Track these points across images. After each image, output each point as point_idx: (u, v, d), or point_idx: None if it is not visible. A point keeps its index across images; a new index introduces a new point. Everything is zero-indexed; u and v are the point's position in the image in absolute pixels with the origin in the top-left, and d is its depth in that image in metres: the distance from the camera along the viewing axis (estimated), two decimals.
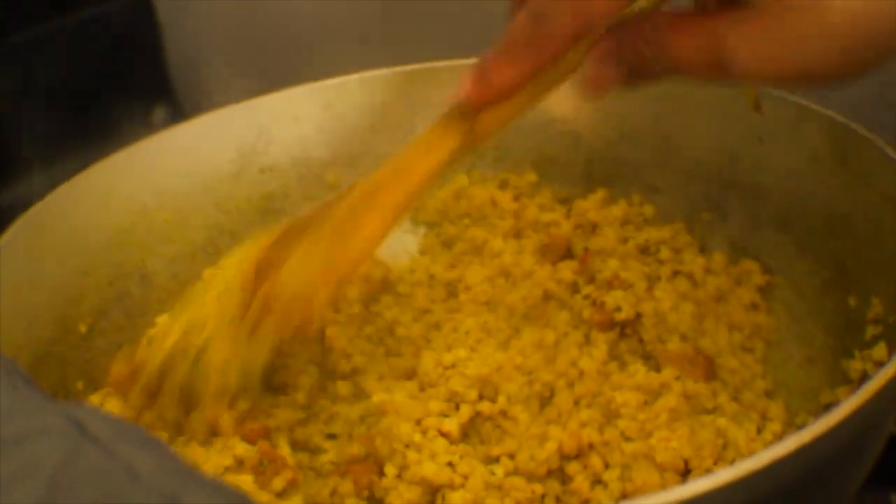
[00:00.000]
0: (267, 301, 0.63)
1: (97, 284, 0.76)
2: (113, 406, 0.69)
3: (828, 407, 0.64)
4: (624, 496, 0.58)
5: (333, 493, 0.62)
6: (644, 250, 0.77)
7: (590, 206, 0.81)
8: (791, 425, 0.64)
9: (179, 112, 1.07)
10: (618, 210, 0.80)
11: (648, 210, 0.81)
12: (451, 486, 0.60)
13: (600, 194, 0.82)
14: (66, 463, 0.34)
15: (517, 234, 0.81)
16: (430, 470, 0.60)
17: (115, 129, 0.96)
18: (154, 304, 0.79)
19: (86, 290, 0.75)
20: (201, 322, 0.64)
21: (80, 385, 0.72)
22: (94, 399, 0.71)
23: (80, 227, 0.75)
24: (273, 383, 0.70)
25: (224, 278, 0.64)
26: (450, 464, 0.61)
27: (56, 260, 0.73)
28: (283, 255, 0.63)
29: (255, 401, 0.67)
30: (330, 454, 0.65)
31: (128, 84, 1.06)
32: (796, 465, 0.46)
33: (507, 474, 0.61)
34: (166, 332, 0.66)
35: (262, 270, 0.63)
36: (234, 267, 0.65)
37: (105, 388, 0.71)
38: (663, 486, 0.58)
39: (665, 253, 0.76)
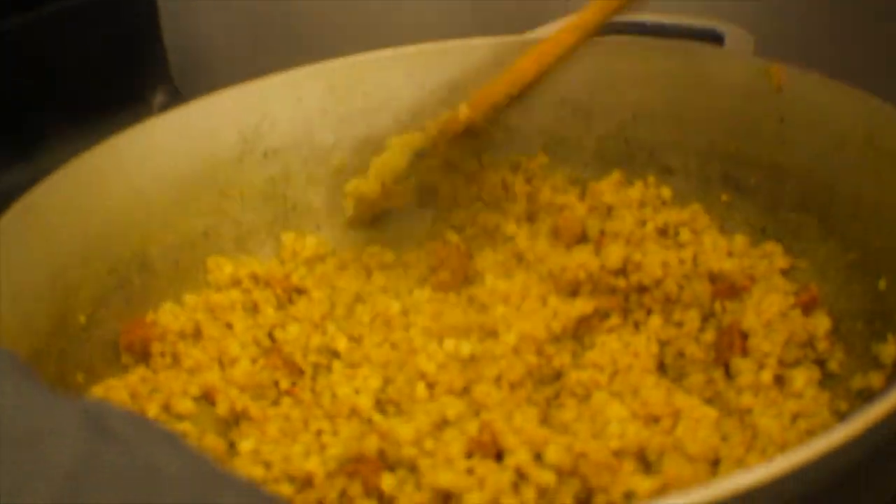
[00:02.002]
0: None
1: (96, 273, 0.73)
2: (118, 396, 0.67)
3: (861, 393, 0.63)
4: (659, 490, 0.55)
5: (342, 494, 0.59)
6: (663, 233, 0.75)
7: (604, 188, 0.78)
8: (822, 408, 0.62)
9: (179, 96, 1.05)
10: (634, 192, 0.77)
11: (665, 192, 0.79)
12: (468, 490, 0.56)
13: (615, 176, 0.79)
14: (83, 463, 0.32)
15: (530, 218, 0.78)
16: (446, 479, 0.56)
17: (116, 113, 0.93)
18: (155, 293, 0.76)
19: (84, 279, 0.72)
20: None
21: (80, 378, 0.69)
22: (97, 391, 0.68)
23: (76, 214, 0.72)
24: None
25: None
26: (468, 470, 0.56)
27: (52, 248, 0.70)
28: None
29: None
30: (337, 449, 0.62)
31: (127, 68, 1.03)
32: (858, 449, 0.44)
33: (521, 475, 0.58)
34: None
35: None
36: None
37: (105, 382, 0.69)
38: (696, 479, 0.55)
39: (685, 235, 0.74)
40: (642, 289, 0.71)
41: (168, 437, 0.34)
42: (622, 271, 0.72)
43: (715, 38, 0.85)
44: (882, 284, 0.65)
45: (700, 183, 0.78)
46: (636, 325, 0.71)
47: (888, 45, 0.93)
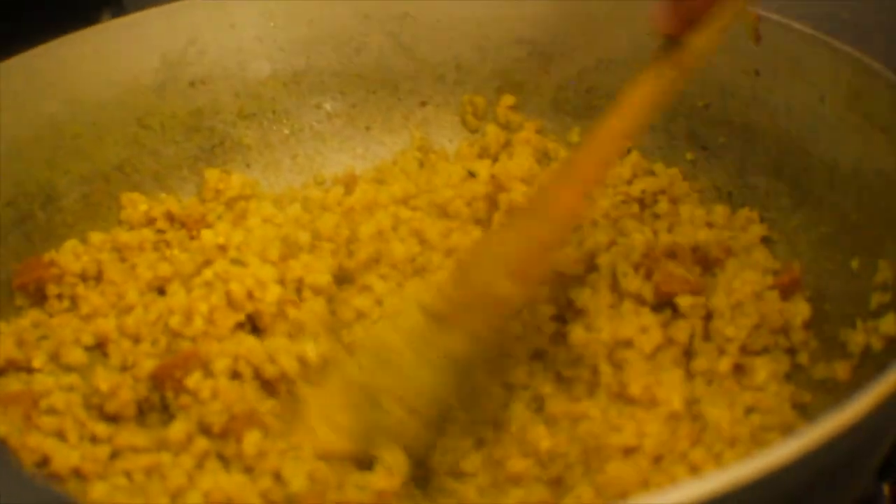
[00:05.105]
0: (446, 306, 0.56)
1: None
2: (2, 344, 0.60)
3: (824, 383, 0.57)
4: (597, 492, 0.49)
5: None
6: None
7: None
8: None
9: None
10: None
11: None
12: None
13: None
14: None
15: None
16: None
17: (57, 29, 0.86)
18: (61, 229, 0.69)
19: None
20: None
21: None
22: None
23: None
24: None
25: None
26: None
27: None
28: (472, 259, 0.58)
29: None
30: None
31: None
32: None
33: None
34: None
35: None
36: None
37: None
38: (639, 477, 0.49)
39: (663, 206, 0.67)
40: None
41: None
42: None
43: None
44: (855, 264, 0.59)
45: (664, 140, 0.72)
46: None
47: None
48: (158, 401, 0.58)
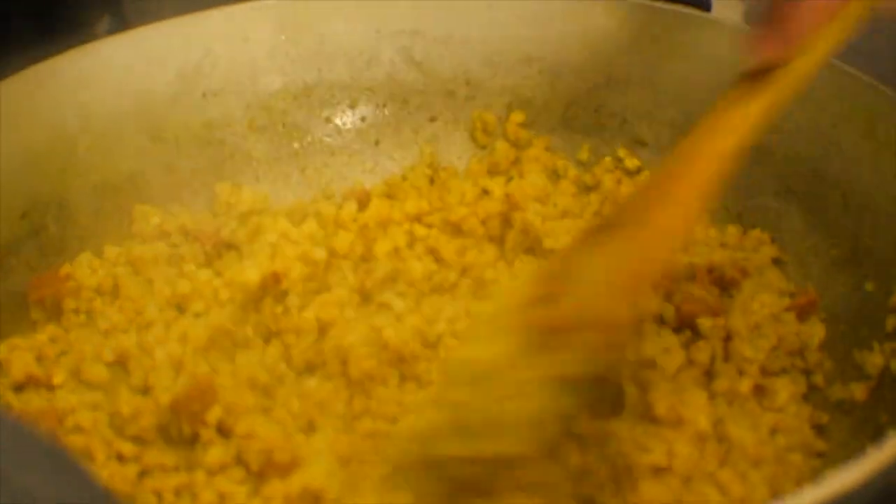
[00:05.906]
0: (554, 326, 0.49)
1: (7, 216, 0.66)
2: (20, 360, 0.60)
3: (841, 404, 0.57)
4: None
5: None
6: None
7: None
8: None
9: (126, 25, 0.96)
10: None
11: (632, 164, 0.73)
12: None
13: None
14: None
15: None
16: None
17: (55, 39, 0.86)
18: (73, 242, 0.69)
19: None
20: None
21: None
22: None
23: None
24: None
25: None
26: None
27: None
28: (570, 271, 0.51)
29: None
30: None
31: None
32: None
33: None
34: None
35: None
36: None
37: (10, 340, 0.62)
38: (672, 497, 0.50)
39: None
40: None
41: (53, 455, 0.28)
42: None
43: (701, 3, 0.79)
44: (870, 286, 0.60)
45: None
46: None
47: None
48: (182, 428, 0.58)
